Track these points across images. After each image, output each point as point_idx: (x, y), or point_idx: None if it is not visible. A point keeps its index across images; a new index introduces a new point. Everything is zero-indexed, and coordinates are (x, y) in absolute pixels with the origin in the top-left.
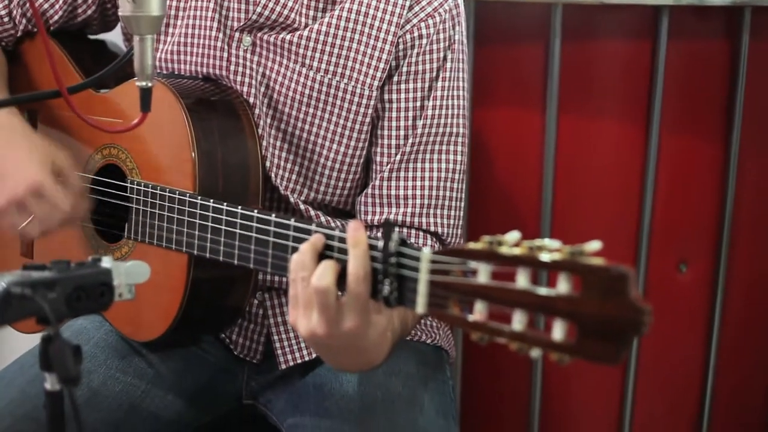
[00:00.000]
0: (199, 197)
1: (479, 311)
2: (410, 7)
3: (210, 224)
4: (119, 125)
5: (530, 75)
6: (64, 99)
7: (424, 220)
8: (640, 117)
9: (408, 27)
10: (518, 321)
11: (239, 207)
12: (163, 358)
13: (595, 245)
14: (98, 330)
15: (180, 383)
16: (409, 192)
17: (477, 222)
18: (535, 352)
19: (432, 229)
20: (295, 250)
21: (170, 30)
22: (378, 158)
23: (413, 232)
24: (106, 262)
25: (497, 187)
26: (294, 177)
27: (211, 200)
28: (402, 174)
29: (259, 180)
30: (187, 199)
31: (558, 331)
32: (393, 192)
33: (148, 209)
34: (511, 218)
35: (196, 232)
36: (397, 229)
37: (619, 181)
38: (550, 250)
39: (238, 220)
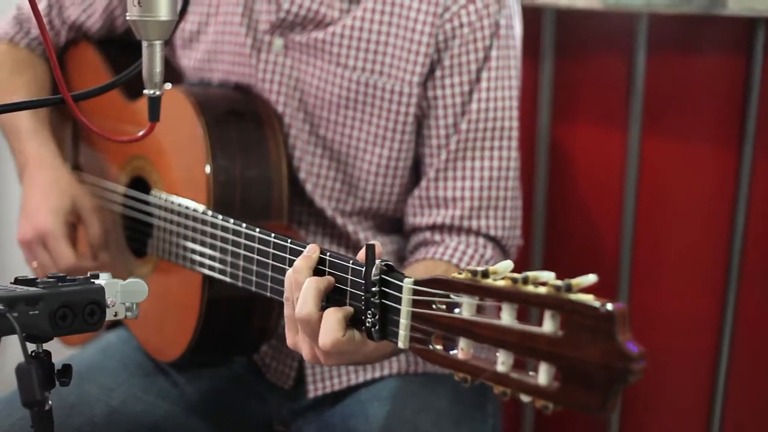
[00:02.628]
0: (210, 213)
1: (463, 348)
2: None
3: (219, 243)
4: (149, 138)
5: (613, 90)
6: (70, 108)
7: (475, 222)
8: (732, 137)
9: (447, 15)
10: (501, 362)
11: (244, 225)
12: (190, 379)
13: (588, 279)
14: (125, 346)
15: (206, 405)
16: (458, 193)
17: (554, 244)
18: (525, 398)
19: (486, 232)
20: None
21: (201, 38)
22: (426, 159)
23: (465, 237)
24: (102, 279)
25: (576, 207)
26: (334, 185)
27: (220, 216)
28: (450, 174)
29: (282, 195)
30: (199, 215)
31: (543, 375)
32: (441, 194)
33: (167, 224)
34: (589, 239)
35: (207, 250)
36: (379, 257)
37: (707, 207)
38: (537, 283)
39: (243, 240)
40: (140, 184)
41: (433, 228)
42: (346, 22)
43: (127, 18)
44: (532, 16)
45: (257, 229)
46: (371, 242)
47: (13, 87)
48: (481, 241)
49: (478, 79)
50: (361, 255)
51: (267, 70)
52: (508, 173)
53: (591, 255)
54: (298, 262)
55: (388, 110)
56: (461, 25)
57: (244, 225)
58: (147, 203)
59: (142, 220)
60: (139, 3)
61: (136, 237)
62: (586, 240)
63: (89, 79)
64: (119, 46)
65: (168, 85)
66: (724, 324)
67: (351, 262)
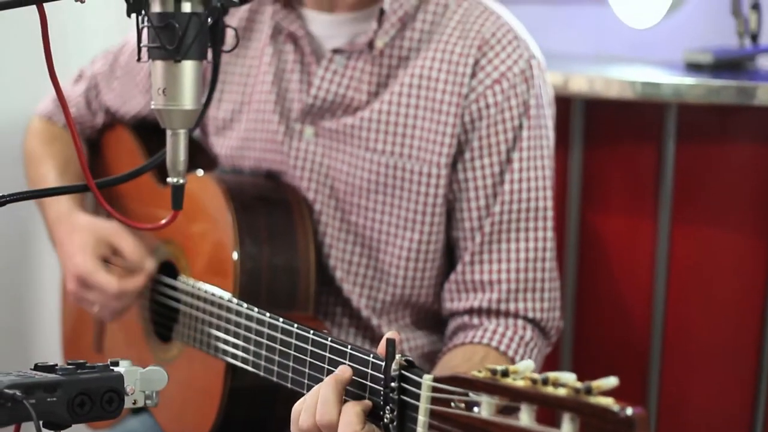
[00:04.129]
0: (235, 301)
1: None
2: (473, 74)
3: (242, 331)
4: (179, 223)
5: (643, 178)
6: (93, 195)
7: (513, 305)
8: (762, 227)
9: (473, 96)
10: None
11: (267, 314)
12: None
13: (609, 382)
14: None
15: None
16: (495, 276)
17: (583, 333)
18: None
19: (524, 314)
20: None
21: (235, 125)
22: (460, 243)
23: (503, 319)
24: (122, 366)
25: (605, 296)
26: (366, 272)
27: (245, 305)
28: (485, 257)
29: (309, 284)
30: (224, 302)
31: None
32: (477, 277)
33: (192, 310)
34: (619, 329)
35: (231, 338)
36: (399, 352)
37: (738, 297)
38: (557, 384)
39: (266, 330)
40: (169, 269)
41: (470, 312)
42: (374, 106)
43: (152, 107)
44: (561, 105)
45: (280, 319)
46: (391, 336)
47: (42, 157)
48: (520, 323)
49: (509, 160)
50: (382, 349)
51: (298, 158)
52: (544, 254)
53: (620, 344)
54: (326, 385)
55: (417, 193)
56: (487, 106)
57: (267, 314)
58: (174, 288)
59: (168, 305)
60: (163, 92)
61: (162, 322)
62: (616, 329)
63: (125, 163)
64: (155, 129)
65: (200, 172)
66: (756, 421)
67: (372, 356)
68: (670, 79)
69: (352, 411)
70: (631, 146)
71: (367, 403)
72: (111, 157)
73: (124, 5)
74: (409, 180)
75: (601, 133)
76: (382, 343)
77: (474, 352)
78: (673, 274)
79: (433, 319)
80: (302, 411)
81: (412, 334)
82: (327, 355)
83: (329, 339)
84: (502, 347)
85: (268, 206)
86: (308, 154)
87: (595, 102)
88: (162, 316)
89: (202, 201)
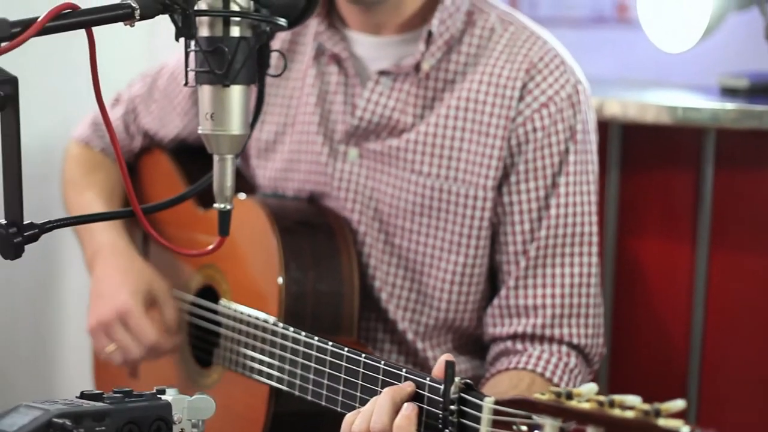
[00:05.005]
0: (281, 325)
1: None
2: (521, 98)
3: (288, 355)
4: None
5: (680, 205)
6: (139, 220)
7: (558, 331)
8: None
9: (520, 120)
10: None
11: (316, 338)
12: None
13: (677, 404)
14: None
15: None
16: (539, 301)
17: (620, 360)
18: None
19: (569, 340)
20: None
21: (278, 147)
22: (504, 267)
23: (547, 345)
24: (169, 394)
25: (643, 322)
26: (409, 295)
27: (291, 329)
28: (530, 282)
29: (353, 308)
30: (269, 326)
31: None
32: (521, 302)
33: (235, 334)
34: (657, 356)
35: (276, 362)
36: (459, 376)
37: None
38: (623, 407)
39: (314, 353)
40: (209, 292)
41: (514, 337)
42: (420, 128)
43: (199, 132)
44: (597, 130)
45: (330, 342)
46: (450, 358)
47: (86, 185)
48: (564, 349)
49: (554, 185)
50: (437, 371)
51: (342, 180)
52: (589, 279)
53: (657, 371)
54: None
55: (463, 216)
56: (534, 130)
57: (316, 338)
58: (215, 312)
59: (208, 329)
60: (211, 117)
61: (201, 346)
62: (653, 356)
63: (162, 187)
64: (192, 153)
65: (242, 195)
66: None
67: (428, 379)
68: (708, 104)
69: (405, 414)
70: (669, 171)
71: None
72: (148, 181)
73: (149, 29)
74: (454, 203)
75: (637, 158)
76: (438, 367)
77: (520, 378)
78: (711, 300)
79: (475, 344)
80: (357, 417)
81: (455, 359)
82: (380, 377)
83: (382, 362)
84: (548, 374)
85: (312, 230)
86: (352, 175)
87: (631, 127)
88: (201, 340)
89: (244, 224)
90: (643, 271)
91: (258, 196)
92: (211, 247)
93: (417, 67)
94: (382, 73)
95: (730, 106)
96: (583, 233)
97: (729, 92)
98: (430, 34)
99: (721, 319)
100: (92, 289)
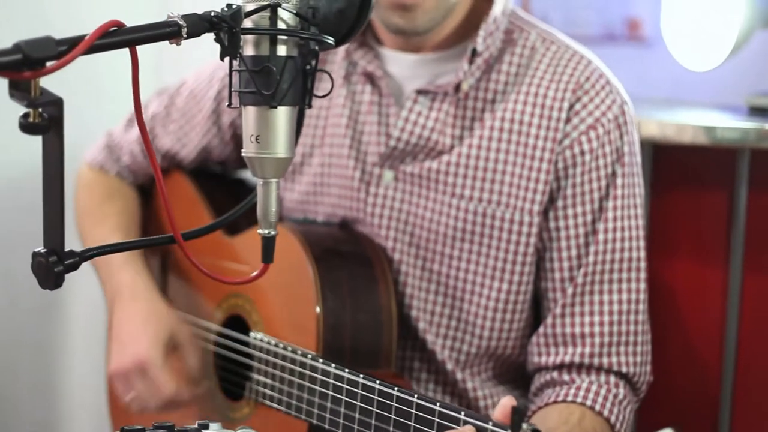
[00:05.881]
0: (320, 360)
1: None
2: (567, 120)
3: (330, 392)
4: (241, 275)
5: (713, 226)
6: (179, 247)
7: (606, 360)
8: None
9: (567, 142)
10: None
11: (361, 375)
12: None
13: None
14: None
15: None
16: (587, 329)
17: (652, 385)
18: None
19: (618, 369)
20: None
21: (305, 169)
22: (549, 294)
23: (595, 375)
24: (212, 429)
25: (675, 344)
26: (449, 323)
27: (333, 364)
28: (577, 309)
29: (392, 339)
30: (308, 361)
31: None
32: (568, 330)
33: (269, 368)
34: (688, 377)
35: (316, 399)
36: (526, 421)
37: None
38: None
39: (359, 391)
40: (236, 323)
41: (560, 367)
42: (460, 150)
43: (243, 155)
44: None
45: (377, 381)
46: (514, 403)
47: (104, 216)
48: (612, 379)
49: (601, 209)
50: (500, 416)
51: (376, 204)
52: (637, 306)
53: (689, 394)
54: None
55: (507, 241)
56: (582, 153)
57: (361, 375)
58: (246, 344)
59: (237, 360)
60: (256, 139)
61: (230, 378)
62: (685, 379)
63: (184, 211)
64: (212, 176)
65: None
66: None
67: (491, 423)
68: (745, 123)
69: None
70: (701, 192)
71: None
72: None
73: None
74: (498, 228)
75: (669, 178)
76: (501, 411)
77: (570, 412)
78: (744, 323)
79: (515, 372)
80: None
81: (494, 389)
82: (435, 420)
83: (437, 404)
84: (597, 407)
85: (348, 258)
86: (386, 199)
87: (663, 147)
88: (229, 372)
89: (277, 252)
90: (675, 292)
91: (289, 223)
92: (254, 274)
93: (457, 87)
94: (420, 92)
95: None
96: (631, 258)
97: (757, 111)
98: (474, 52)
99: (754, 343)
100: (113, 333)
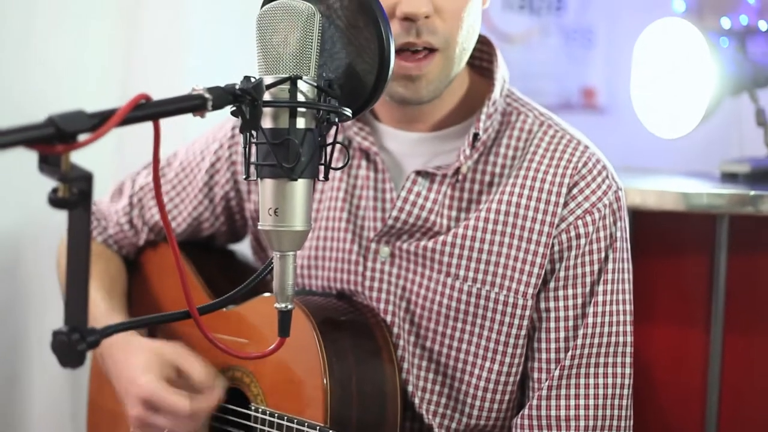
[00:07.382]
0: (331, 431)
1: None
2: (565, 204)
3: None
4: (249, 349)
5: (694, 290)
6: (195, 322)
7: None
8: None
9: (563, 226)
10: None
11: None
12: None
13: None
14: None
15: None
16: (572, 412)
17: None
18: None
19: None
20: None
21: None
22: (535, 374)
23: None
24: None
25: (656, 408)
26: (441, 400)
27: None
28: (563, 392)
29: (397, 409)
30: None
31: None
32: (553, 413)
33: None
34: None
35: None
36: None
37: None
38: None
39: None
40: (234, 396)
41: None
42: (457, 231)
43: (260, 228)
44: None
45: None
46: None
47: None
48: None
49: (592, 293)
50: None
51: (374, 278)
52: (622, 390)
53: None
54: None
55: (501, 323)
56: (578, 236)
57: None
58: (247, 418)
59: None
60: (275, 213)
61: None
62: None
63: (171, 283)
64: (201, 248)
65: (267, 294)
66: None
67: None
68: (723, 190)
69: None
70: (681, 257)
71: None
72: (154, 276)
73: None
74: (492, 309)
75: (649, 244)
76: None
77: None
78: (726, 386)
79: None
80: None
81: None
82: None
83: None
84: None
85: (351, 328)
86: (384, 274)
87: (642, 213)
88: None
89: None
90: (656, 356)
91: None
92: (271, 348)
93: (456, 170)
94: (419, 173)
95: (744, 192)
96: (618, 343)
97: (729, 177)
98: (476, 136)
99: (735, 405)
100: (117, 391)
